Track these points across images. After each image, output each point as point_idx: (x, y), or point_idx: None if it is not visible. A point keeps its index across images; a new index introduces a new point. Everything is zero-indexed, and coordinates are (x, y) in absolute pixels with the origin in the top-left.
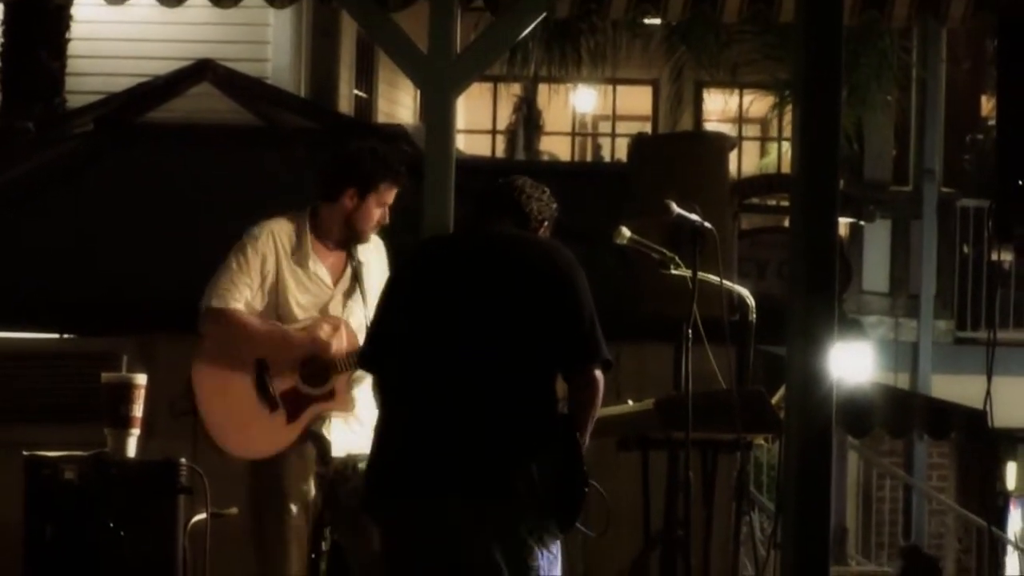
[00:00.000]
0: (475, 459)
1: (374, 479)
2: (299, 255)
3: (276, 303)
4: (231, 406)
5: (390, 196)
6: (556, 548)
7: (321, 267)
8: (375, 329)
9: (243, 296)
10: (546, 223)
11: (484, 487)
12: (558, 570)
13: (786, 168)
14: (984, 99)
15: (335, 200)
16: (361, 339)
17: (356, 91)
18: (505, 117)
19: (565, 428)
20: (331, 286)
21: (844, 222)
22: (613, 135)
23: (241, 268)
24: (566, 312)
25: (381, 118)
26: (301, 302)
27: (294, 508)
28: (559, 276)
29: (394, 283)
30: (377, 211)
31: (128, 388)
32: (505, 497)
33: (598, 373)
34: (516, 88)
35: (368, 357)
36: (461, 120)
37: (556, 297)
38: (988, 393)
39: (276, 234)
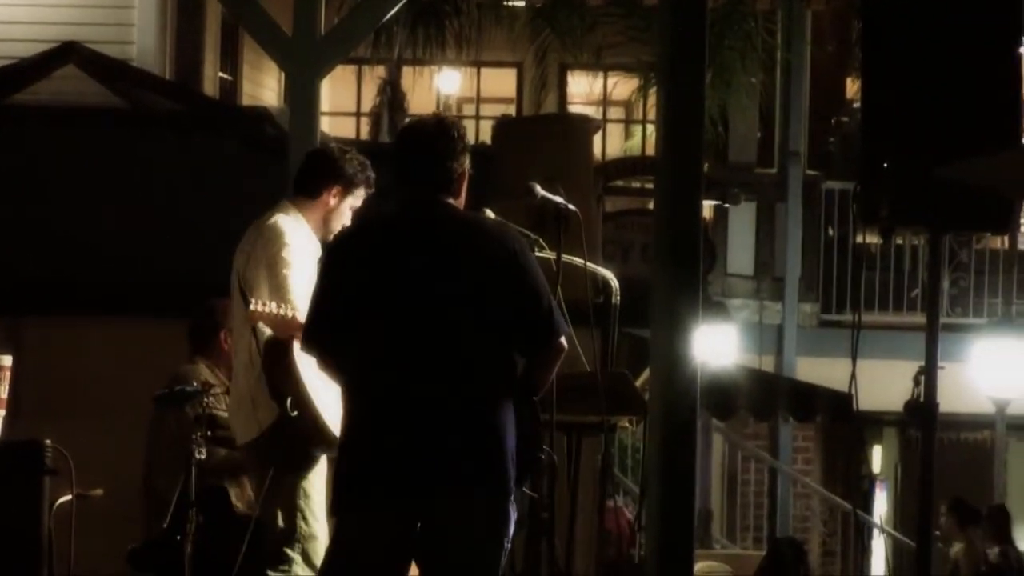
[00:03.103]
0: (462, 457)
1: (353, 480)
2: (311, 249)
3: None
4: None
5: (358, 201)
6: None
7: None
8: (318, 310)
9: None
10: (466, 169)
11: (474, 481)
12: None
13: (650, 151)
14: (849, 81)
15: (316, 196)
16: None
17: (221, 73)
18: (369, 99)
19: (525, 394)
20: None
21: (708, 205)
22: (477, 117)
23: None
24: (528, 297)
25: (246, 100)
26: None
27: None
28: (516, 261)
29: (335, 264)
30: (348, 212)
31: None
32: (499, 493)
33: (563, 341)
34: (380, 70)
35: (312, 339)
36: (325, 102)
37: (515, 282)
38: (853, 376)
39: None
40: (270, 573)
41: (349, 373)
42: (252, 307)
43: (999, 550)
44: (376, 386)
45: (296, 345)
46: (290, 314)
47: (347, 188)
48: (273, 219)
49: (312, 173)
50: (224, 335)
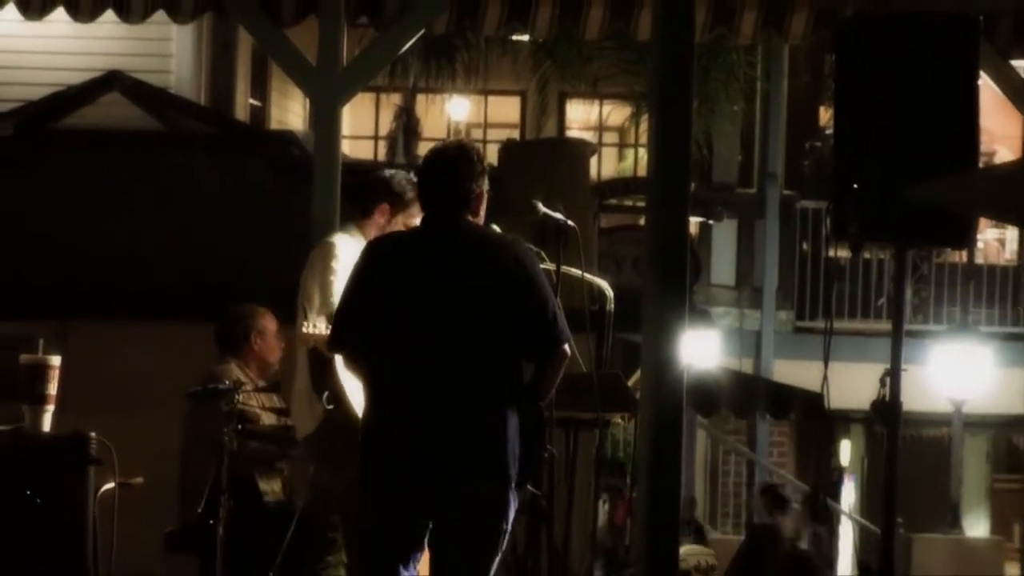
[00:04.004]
0: (469, 449)
1: (371, 469)
2: None
3: None
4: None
5: (413, 220)
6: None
7: None
8: (343, 314)
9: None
10: (484, 189)
11: (479, 471)
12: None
13: (642, 172)
14: (822, 109)
15: (369, 215)
16: None
17: (251, 100)
18: (386, 124)
19: (530, 399)
20: None
21: (694, 221)
22: (485, 141)
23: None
24: (534, 305)
25: (274, 125)
26: None
27: None
28: (524, 272)
29: (361, 273)
30: (402, 229)
31: (44, 368)
32: (499, 480)
33: (566, 348)
34: (396, 97)
35: (337, 340)
36: (346, 127)
37: (523, 292)
38: (825, 378)
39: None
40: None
41: (370, 371)
42: (304, 330)
43: (812, 532)
44: (393, 384)
45: None
46: None
47: (395, 205)
48: (331, 238)
49: (362, 194)
50: (254, 337)
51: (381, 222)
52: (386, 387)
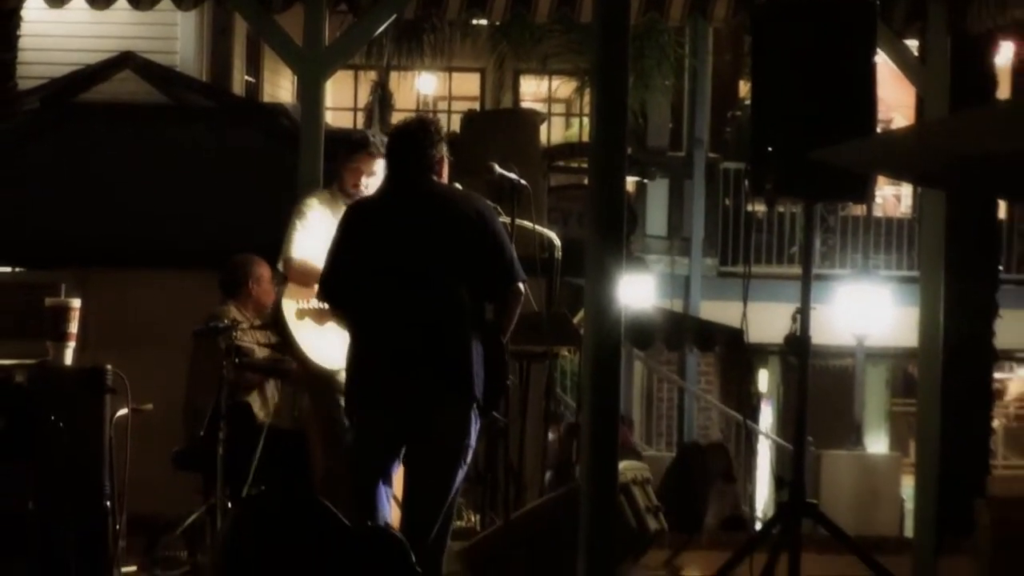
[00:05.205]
0: (438, 372)
1: (358, 390)
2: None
3: None
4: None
5: (354, 165)
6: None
7: None
8: (329, 267)
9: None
10: (444, 155)
11: (447, 391)
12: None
13: (586, 138)
14: (742, 83)
15: (336, 174)
16: None
17: (247, 77)
18: (363, 98)
19: (492, 332)
20: None
21: (631, 180)
22: (449, 112)
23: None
24: (493, 249)
25: (266, 98)
26: None
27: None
28: (484, 222)
29: (343, 230)
30: (348, 176)
31: (66, 310)
32: (464, 399)
33: (520, 286)
34: (372, 74)
35: (325, 289)
36: (329, 100)
37: (483, 238)
38: (744, 315)
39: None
40: None
41: (353, 314)
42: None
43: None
44: (373, 320)
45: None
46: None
47: (341, 158)
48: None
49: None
50: (252, 283)
51: (343, 175)
52: (368, 324)
